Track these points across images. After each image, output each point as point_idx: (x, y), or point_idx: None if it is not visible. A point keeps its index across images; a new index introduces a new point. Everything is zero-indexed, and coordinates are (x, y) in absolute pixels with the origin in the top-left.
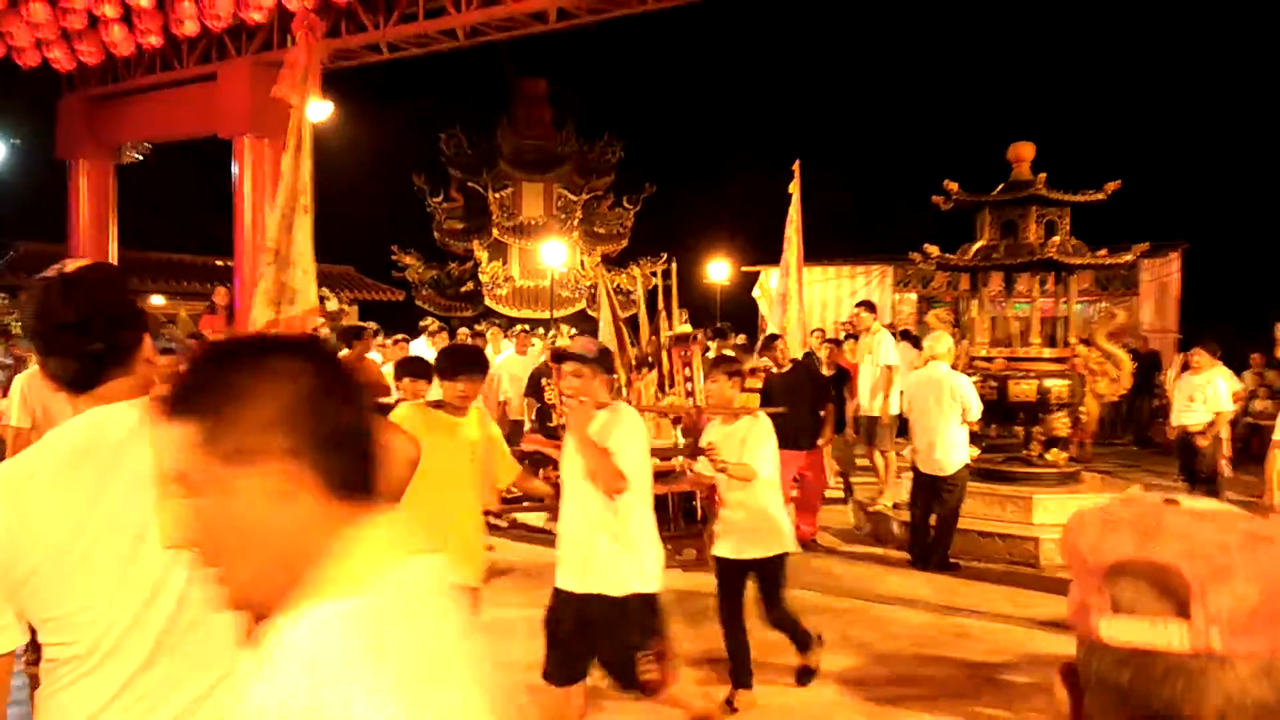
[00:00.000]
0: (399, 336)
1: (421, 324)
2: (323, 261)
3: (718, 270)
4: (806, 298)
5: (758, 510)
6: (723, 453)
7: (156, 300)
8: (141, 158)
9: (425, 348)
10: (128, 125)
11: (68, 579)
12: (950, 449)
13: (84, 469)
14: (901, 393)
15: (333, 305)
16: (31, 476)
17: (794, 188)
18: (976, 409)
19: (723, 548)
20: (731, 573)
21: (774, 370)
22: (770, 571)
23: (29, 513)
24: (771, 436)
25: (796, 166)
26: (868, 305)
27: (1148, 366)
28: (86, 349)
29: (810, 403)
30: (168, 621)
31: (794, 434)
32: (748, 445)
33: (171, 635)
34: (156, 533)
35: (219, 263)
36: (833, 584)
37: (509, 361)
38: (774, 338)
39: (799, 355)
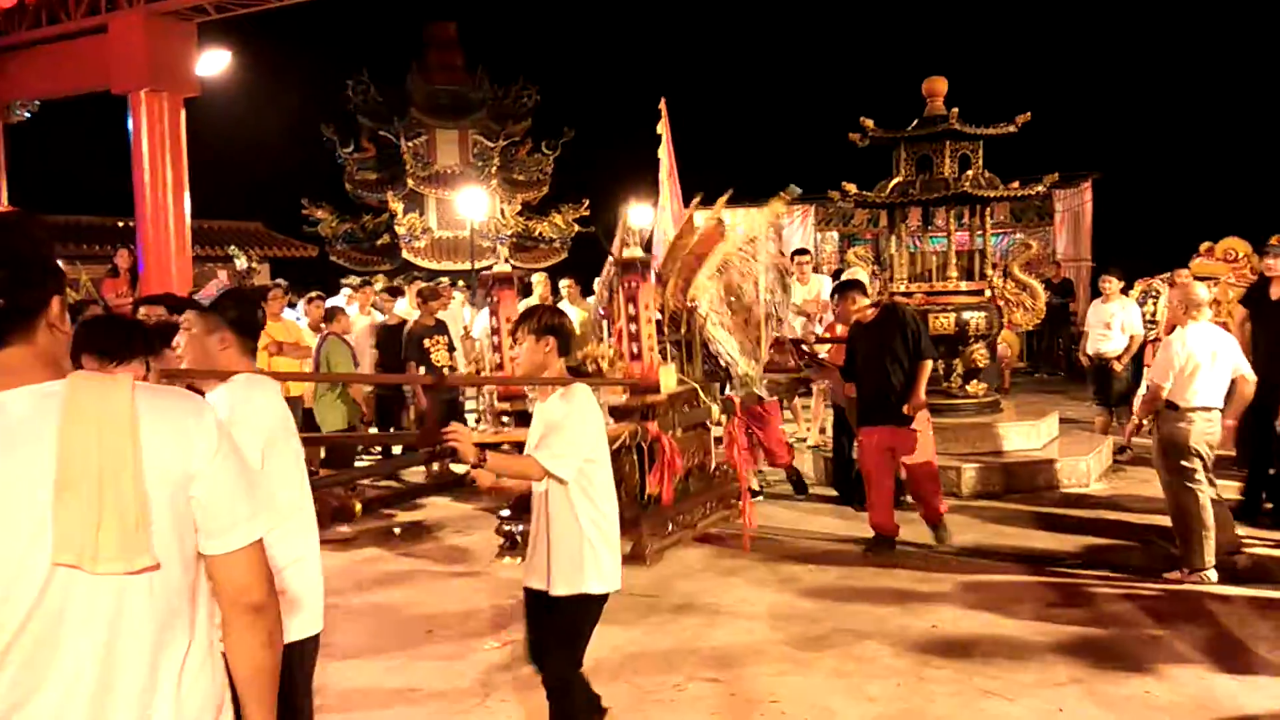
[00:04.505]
0: (313, 294)
1: (344, 281)
2: (231, 217)
3: (641, 215)
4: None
5: (552, 527)
6: (530, 440)
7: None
8: (30, 115)
9: (346, 304)
10: (16, 82)
11: None
12: None
13: None
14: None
15: (241, 263)
16: None
17: (662, 128)
18: None
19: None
20: (529, 601)
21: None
22: (557, 615)
23: None
24: (587, 418)
25: (663, 105)
26: (805, 252)
27: (1063, 296)
28: None
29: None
30: (37, 642)
31: (883, 404)
32: (548, 431)
33: (35, 663)
34: (49, 537)
35: (119, 224)
36: (767, 524)
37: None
38: (851, 284)
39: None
